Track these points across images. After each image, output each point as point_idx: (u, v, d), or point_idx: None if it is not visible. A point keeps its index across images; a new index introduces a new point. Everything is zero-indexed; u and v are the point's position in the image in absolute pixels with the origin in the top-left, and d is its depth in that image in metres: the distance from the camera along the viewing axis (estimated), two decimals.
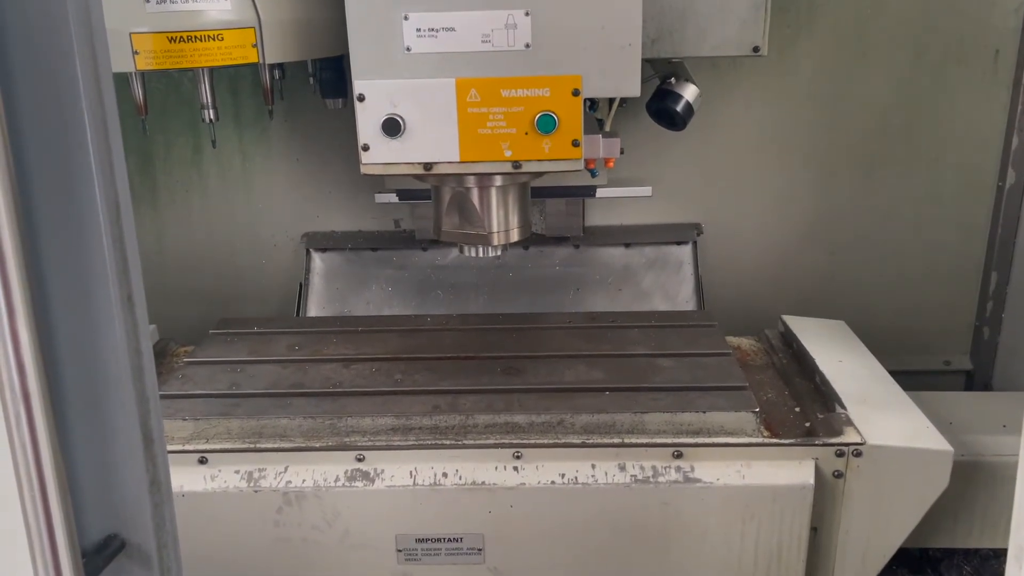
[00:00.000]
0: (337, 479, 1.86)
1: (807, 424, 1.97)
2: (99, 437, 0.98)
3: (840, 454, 1.86)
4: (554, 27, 1.79)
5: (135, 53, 1.84)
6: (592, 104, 2.07)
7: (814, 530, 1.90)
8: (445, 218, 2.09)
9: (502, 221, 2.07)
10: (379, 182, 2.65)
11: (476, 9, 1.78)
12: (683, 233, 2.78)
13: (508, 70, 1.82)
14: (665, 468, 1.86)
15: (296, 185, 2.81)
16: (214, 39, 1.86)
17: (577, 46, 1.80)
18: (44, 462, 0.86)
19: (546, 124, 1.83)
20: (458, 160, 1.87)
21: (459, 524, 1.88)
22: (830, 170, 2.78)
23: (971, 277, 2.86)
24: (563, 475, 1.86)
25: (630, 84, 1.84)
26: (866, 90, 2.69)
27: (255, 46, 1.90)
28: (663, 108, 2.22)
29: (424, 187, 2.31)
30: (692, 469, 1.86)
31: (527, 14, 1.78)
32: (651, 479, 1.85)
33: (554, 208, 2.74)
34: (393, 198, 2.67)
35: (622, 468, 1.86)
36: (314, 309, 2.74)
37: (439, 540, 1.89)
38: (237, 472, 1.87)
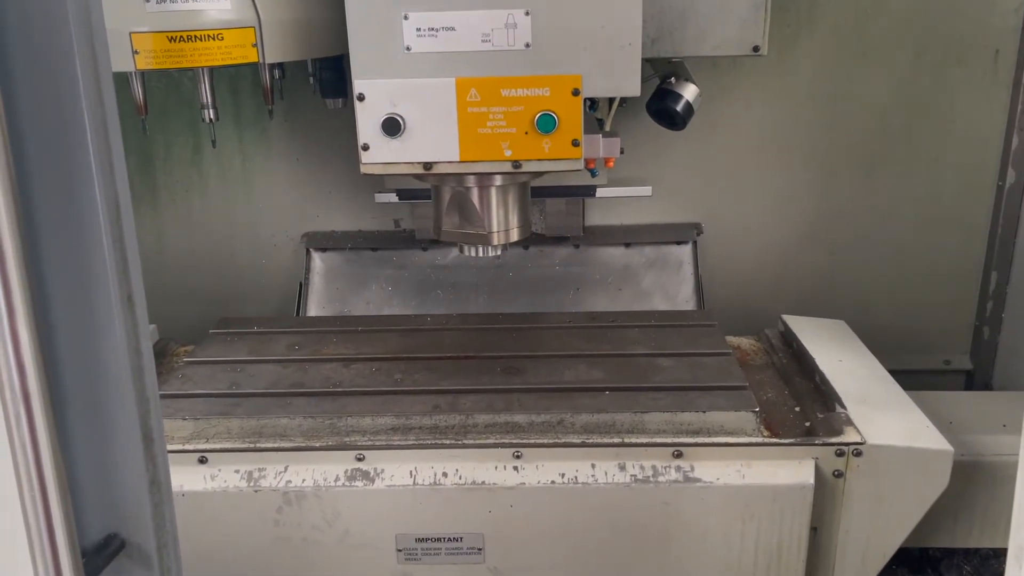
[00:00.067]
0: (337, 479, 1.86)
1: (807, 424, 1.97)
2: (99, 437, 0.98)
3: (840, 454, 1.86)
4: (554, 27, 1.79)
5: (135, 53, 1.84)
6: (592, 104, 2.07)
7: (814, 530, 1.90)
8: (445, 218, 2.09)
9: (502, 221, 2.07)
10: (379, 182, 2.65)
11: (476, 9, 1.78)
12: (683, 233, 2.78)
13: (508, 70, 1.82)
14: (665, 468, 1.86)
15: (296, 185, 2.81)
16: (214, 39, 1.86)
17: (577, 46, 1.80)
18: (44, 462, 0.86)
19: (546, 124, 1.83)
20: (458, 160, 1.87)
21: (459, 524, 1.88)
22: (830, 170, 2.78)
23: (971, 277, 2.86)
24: (563, 475, 1.86)
25: (630, 84, 1.84)
26: (866, 90, 2.69)
27: (255, 46, 1.90)
28: (663, 108, 2.22)
29: (424, 187, 2.31)
30: (692, 469, 1.86)
31: (527, 14, 1.78)
32: (651, 479, 1.85)
33: (554, 208, 2.74)
34: (393, 198, 2.67)
35: (622, 468, 1.86)
36: (314, 309, 2.74)
37: (439, 540, 1.89)
38: (237, 472, 1.87)
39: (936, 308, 2.89)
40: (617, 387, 2.03)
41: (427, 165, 1.88)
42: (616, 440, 1.88)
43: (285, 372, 2.16)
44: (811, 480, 1.84)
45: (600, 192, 2.67)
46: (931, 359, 2.93)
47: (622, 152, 1.99)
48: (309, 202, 2.83)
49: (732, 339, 2.42)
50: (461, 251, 2.15)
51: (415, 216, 2.76)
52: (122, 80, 1.89)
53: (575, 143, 1.86)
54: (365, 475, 1.87)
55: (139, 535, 1.01)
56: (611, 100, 2.07)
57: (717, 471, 1.85)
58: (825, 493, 1.88)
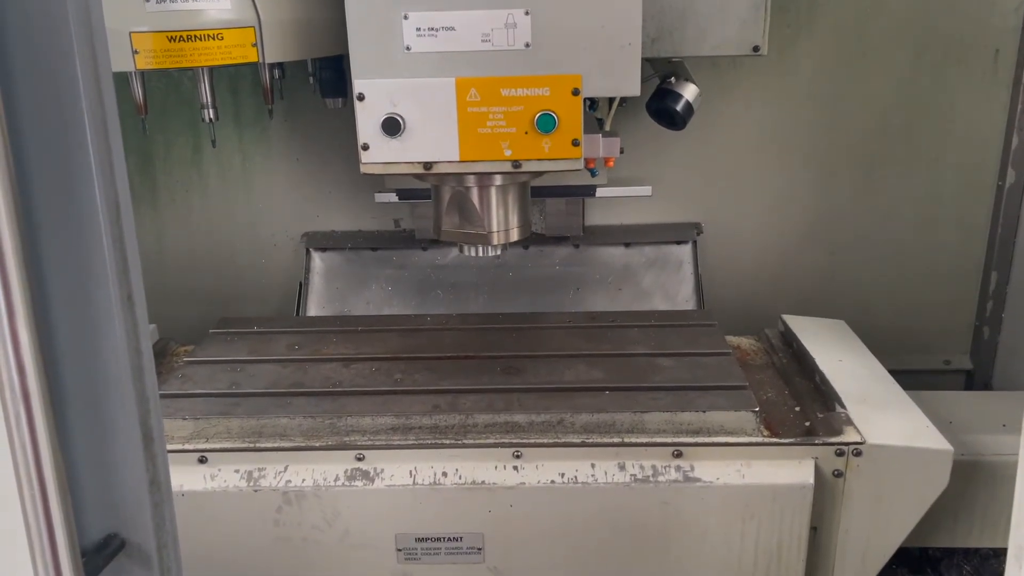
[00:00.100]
0: (337, 478, 1.86)
1: (807, 423, 1.97)
2: (99, 436, 0.98)
3: (840, 453, 1.86)
4: (554, 26, 1.79)
5: (135, 52, 1.84)
6: (592, 103, 2.07)
7: (814, 529, 1.90)
8: (445, 217, 2.09)
9: (502, 220, 2.07)
10: (379, 182, 2.65)
11: (476, 8, 1.78)
12: (683, 233, 2.78)
13: (508, 69, 1.82)
14: (665, 467, 1.86)
15: (296, 185, 2.81)
16: (214, 38, 1.86)
17: (577, 45, 1.80)
18: (44, 462, 0.86)
19: (546, 123, 1.83)
20: (458, 159, 1.87)
21: (459, 523, 1.88)
22: (830, 170, 2.78)
23: (971, 277, 2.86)
24: (563, 474, 1.86)
25: (630, 83, 1.84)
26: (866, 90, 2.69)
27: (255, 45, 1.90)
28: (663, 107, 2.22)
29: (424, 186, 2.31)
30: (692, 468, 1.86)
31: (527, 13, 1.78)
32: (651, 478, 1.85)
33: (554, 208, 2.74)
34: (393, 198, 2.67)
35: (622, 467, 1.86)
36: (314, 309, 2.74)
37: (439, 539, 1.89)
38: (237, 471, 1.87)
39: (936, 308, 2.89)
40: (617, 387, 2.03)
41: (427, 165, 1.88)
42: (616, 440, 1.88)
43: (285, 372, 2.16)
44: (811, 480, 1.84)
45: (600, 192, 2.67)
46: (931, 359, 2.93)
47: (622, 152, 1.99)
48: (309, 202, 2.83)
49: (732, 339, 2.42)
50: (461, 251, 2.15)
51: (415, 216, 2.76)
52: (122, 80, 1.89)
53: (575, 143, 1.86)
54: (365, 475, 1.87)
55: (139, 535, 1.01)
56: (611, 100, 2.07)
57: (717, 471, 1.85)
58: (825, 493, 1.88)
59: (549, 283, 2.76)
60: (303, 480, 1.86)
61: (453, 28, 1.79)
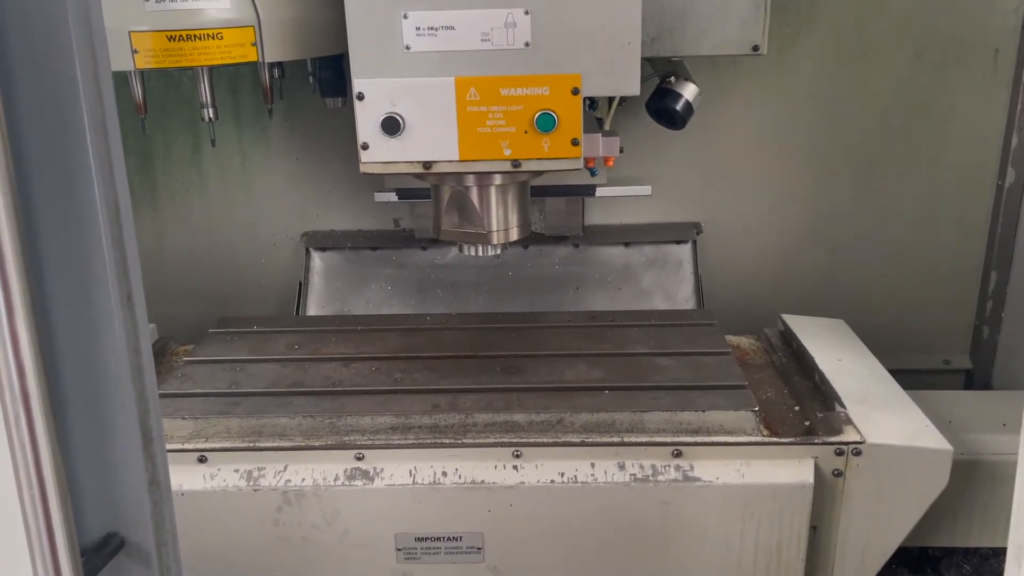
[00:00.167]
0: (336, 478, 1.86)
1: (807, 423, 1.97)
2: (98, 436, 0.98)
3: (840, 453, 1.86)
4: (553, 26, 1.79)
5: (134, 52, 1.84)
6: (592, 103, 2.07)
7: (813, 529, 1.91)
8: (445, 217, 2.09)
9: (501, 220, 2.07)
10: (379, 181, 2.65)
11: (476, 8, 1.78)
12: (683, 232, 2.78)
13: (508, 69, 1.82)
14: (664, 467, 1.86)
15: (296, 184, 2.81)
16: (213, 38, 1.86)
17: (577, 45, 1.80)
18: (43, 461, 0.86)
19: (545, 123, 1.83)
20: (457, 159, 1.87)
21: (458, 523, 1.88)
22: (830, 170, 2.78)
23: (971, 276, 2.86)
24: (562, 474, 1.86)
25: (630, 83, 1.84)
26: (866, 90, 2.69)
27: (254, 45, 1.90)
28: (663, 107, 2.22)
29: (424, 186, 2.31)
30: (692, 468, 1.86)
31: (526, 13, 1.78)
32: (650, 478, 1.85)
33: (554, 207, 2.74)
34: (393, 197, 2.67)
35: (621, 467, 1.86)
36: (314, 308, 2.74)
37: (438, 539, 1.89)
38: (236, 471, 1.87)
39: (936, 308, 2.89)
40: (617, 386, 2.03)
41: (426, 164, 1.88)
42: (616, 439, 1.88)
43: (285, 371, 2.16)
44: (811, 479, 1.84)
45: (600, 191, 2.67)
46: (931, 358, 2.93)
47: (621, 151, 1.99)
48: (309, 202, 2.83)
49: (732, 338, 2.43)
50: (461, 250, 2.15)
51: (415, 215, 2.76)
52: (121, 79, 1.89)
53: (574, 142, 1.86)
54: (364, 474, 1.87)
55: (138, 534, 1.01)
56: (611, 99, 2.07)
57: (717, 470, 1.85)
58: (824, 492, 1.88)
59: (549, 283, 2.76)
60: (303, 480, 1.86)
61: (453, 27, 1.79)
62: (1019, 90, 2.66)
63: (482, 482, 1.85)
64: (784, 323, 2.45)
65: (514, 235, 2.11)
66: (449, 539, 1.89)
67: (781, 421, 1.99)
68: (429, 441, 1.89)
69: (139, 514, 1.01)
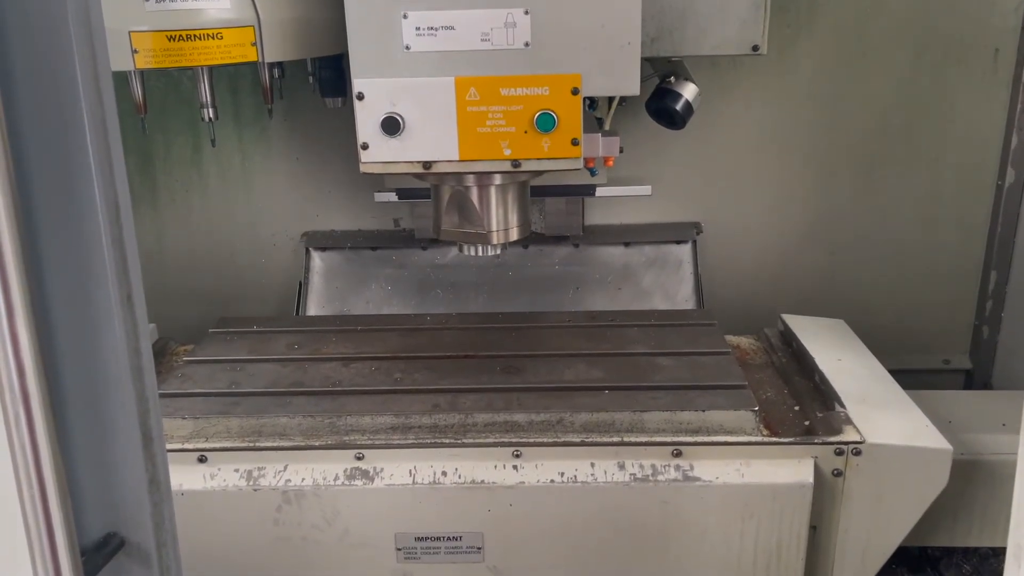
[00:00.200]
0: (336, 478, 1.86)
1: (806, 423, 1.97)
2: (98, 436, 0.98)
3: (839, 453, 1.86)
4: (553, 26, 1.79)
5: (134, 52, 1.84)
6: (591, 103, 2.07)
7: (813, 528, 1.91)
8: (445, 217, 2.09)
9: (501, 220, 2.07)
10: (379, 181, 2.65)
11: (475, 8, 1.78)
12: (683, 232, 2.78)
13: (507, 69, 1.82)
14: (664, 467, 1.86)
15: (296, 184, 2.81)
16: (213, 38, 1.86)
17: (576, 45, 1.80)
18: (43, 461, 0.86)
19: (545, 123, 1.83)
20: (457, 159, 1.87)
21: (458, 523, 1.88)
22: (830, 170, 2.78)
23: (971, 276, 2.87)
24: (562, 474, 1.86)
25: (629, 83, 1.84)
26: (866, 90, 2.69)
27: (254, 45, 1.90)
28: (663, 107, 2.22)
29: (424, 186, 2.31)
30: (691, 468, 1.86)
31: (526, 13, 1.78)
32: (650, 478, 1.85)
33: (554, 207, 2.74)
34: (393, 197, 2.67)
35: (621, 467, 1.86)
36: (314, 308, 2.74)
37: (438, 539, 1.89)
38: (236, 471, 1.88)
39: (936, 308, 2.89)
40: (616, 386, 2.03)
41: (426, 164, 1.88)
42: (615, 439, 1.88)
43: (284, 371, 2.16)
44: (810, 479, 1.84)
45: (600, 191, 2.67)
46: (931, 358, 2.93)
47: (621, 151, 1.99)
48: (309, 201, 2.83)
49: (731, 338, 2.43)
50: (461, 250, 2.15)
51: (415, 215, 2.76)
52: (121, 79, 1.89)
53: (574, 142, 1.86)
54: (364, 474, 1.87)
55: (138, 534, 1.01)
56: (610, 99, 2.07)
57: (716, 470, 1.85)
58: (824, 492, 1.88)
59: (549, 283, 2.76)
60: (303, 479, 1.86)
61: (452, 27, 1.79)
62: (1019, 90, 2.66)
63: (482, 482, 1.85)
64: (784, 323, 2.46)
65: (514, 235, 2.11)
66: (449, 539, 1.89)
67: (781, 421, 1.99)
68: (429, 441, 1.89)
69: (139, 514, 1.01)
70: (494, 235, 2.07)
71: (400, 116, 1.83)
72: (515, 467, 1.87)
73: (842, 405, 1.98)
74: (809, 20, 2.63)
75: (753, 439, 1.88)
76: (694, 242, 2.76)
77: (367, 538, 1.90)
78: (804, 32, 2.64)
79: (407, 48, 1.80)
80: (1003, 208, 2.76)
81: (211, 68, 1.99)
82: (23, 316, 0.83)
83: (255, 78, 2.12)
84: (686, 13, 2.02)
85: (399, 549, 1.90)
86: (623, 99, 2.11)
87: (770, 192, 2.80)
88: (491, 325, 2.43)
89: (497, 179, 2.01)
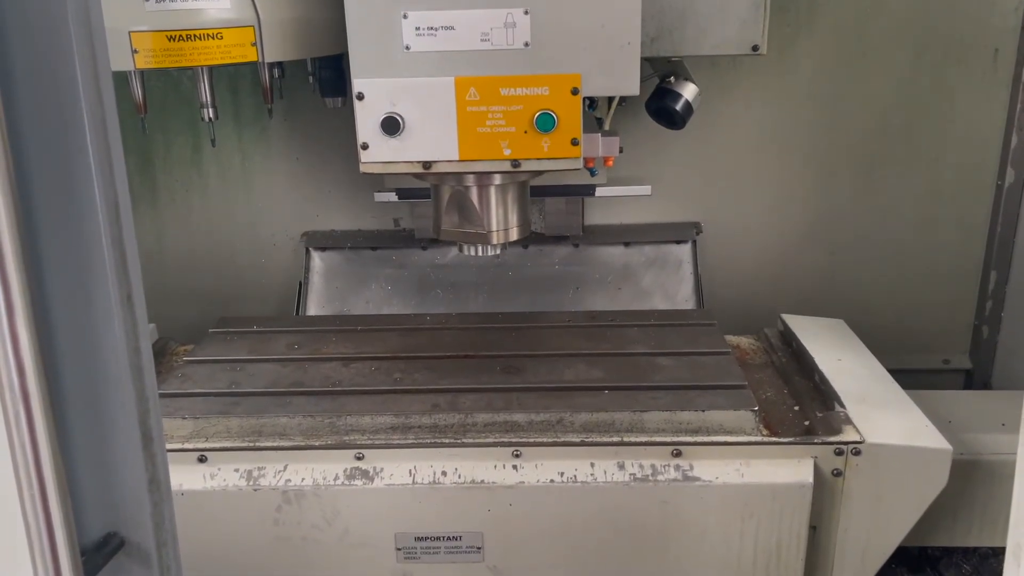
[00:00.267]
0: (336, 478, 1.87)
1: (806, 423, 1.97)
2: (98, 436, 0.98)
3: (839, 452, 1.86)
4: (553, 26, 1.79)
5: (134, 52, 1.84)
6: (591, 103, 2.07)
7: (813, 528, 1.91)
8: (444, 217, 2.09)
9: (501, 220, 2.07)
10: (378, 181, 2.65)
11: (475, 8, 1.78)
12: (682, 232, 2.78)
13: (507, 69, 1.82)
14: (664, 467, 1.86)
15: (296, 184, 2.81)
16: (213, 38, 1.86)
17: (576, 45, 1.80)
18: (44, 461, 0.86)
19: (545, 123, 1.83)
20: (457, 159, 1.87)
21: (458, 523, 1.88)
22: (830, 170, 2.78)
23: (970, 276, 2.87)
24: (562, 473, 1.86)
25: (629, 83, 1.84)
26: (866, 90, 2.69)
27: (254, 45, 1.90)
28: (662, 107, 2.22)
29: (424, 186, 2.31)
30: (691, 467, 1.86)
31: (526, 13, 1.79)
32: (650, 477, 1.85)
33: (553, 207, 2.74)
34: (393, 197, 2.68)
35: (621, 467, 1.87)
36: (314, 308, 2.74)
37: (438, 539, 1.89)
38: (236, 471, 1.88)
39: (936, 308, 2.89)
40: (616, 386, 2.03)
41: (426, 164, 1.88)
42: (615, 439, 1.88)
43: (284, 371, 2.16)
44: (810, 479, 1.84)
45: (599, 191, 2.67)
46: (930, 358, 2.93)
47: (621, 151, 1.99)
48: (309, 201, 2.83)
49: (731, 338, 2.43)
50: (460, 250, 2.15)
51: (415, 215, 2.76)
52: (121, 79, 1.89)
53: (574, 142, 1.86)
54: (364, 474, 1.87)
55: (138, 534, 1.01)
56: (610, 99, 2.07)
57: (716, 470, 1.85)
58: (824, 492, 1.88)
59: (549, 282, 2.76)
60: (303, 479, 1.86)
61: (452, 27, 1.79)
62: (1019, 90, 2.66)
63: (482, 482, 1.86)
64: (784, 323, 2.46)
65: (514, 235, 2.11)
66: (449, 539, 1.89)
67: (781, 421, 1.99)
68: (429, 441, 1.89)
69: (139, 514, 1.01)
70: (494, 235, 2.07)
71: (400, 116, 1.83)
72: (515, 467, 1.87)
73: (842, 405, 1.98)
74: (809, 20, 2.64)
75: (753, 439, 1.88)
76: (694, 242, 2.76)
77: (367, 538, 1.90)
78: (804, 32, 2.64)
79: (407, 48, 1.80)
80: (1003, 208, 2.76)
81: (211, 68, 1.99)
82: (23, 316, 0.83)
83: (255, 78, 2.12)
84: (686, 13, 2.02)
85: (399, 549, 1.90)
86: (623, 99, 2.11)
87: (770, 192, 2.80)
88: (491, 325, 2.43)
89: (497, 179, 2.01)
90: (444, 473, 1.86)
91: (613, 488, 1.85)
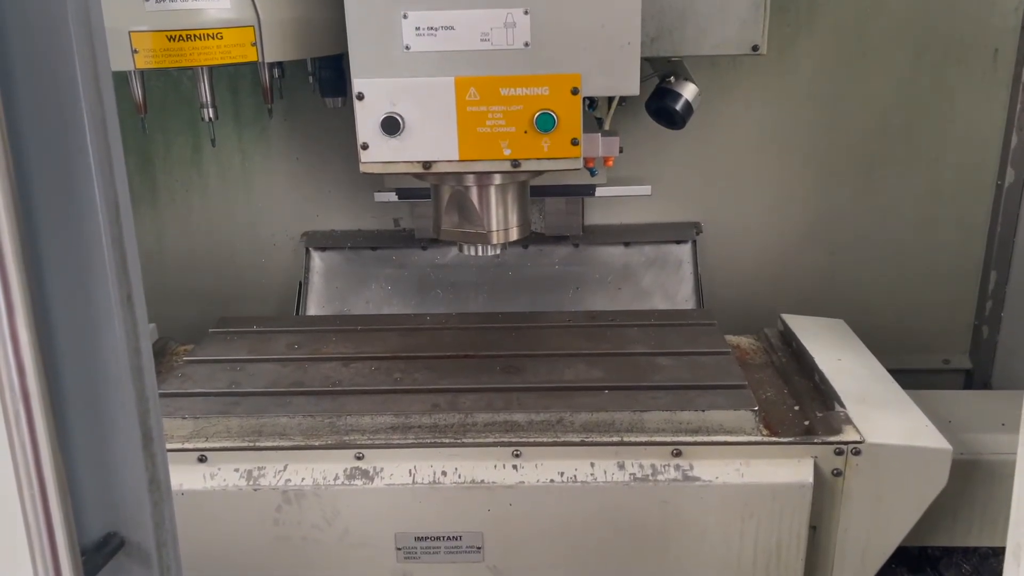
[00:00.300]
0: (336, 477, 1.87)
1: (806, 423, 1.97)
2: (99, 436, 0.98)
3: (839, 452, 1.86)
4: (553, 26, 1.79)
5: (134, 52, 1.84)
6: (591, 103, 2.07)
7: (813, 528, 1.91)
8: (444, 217, 2.09)
9: (501, 220, 2.07)
10: (378, 181, 2.65)
11: (475, 8, 1.78)
12: (682, 232, 2.78)
13: (507, 69, 1.82)
14: (664, 466, 1.86)
15: (296, 184, 2.82)
16: (213, 38, 1.86)
17: (576, 45, 1.80)
18: (44, 461, 0.86)
19: (545, 123, 1.83)
20: (457, 159, 1.87)
21: (458, 522, 1.88)
22: (830, 170, 2.78)
23: (970, 276, 2.87)
24: (562, 473, 1.86)
25: (629, 83, 1.84)
26: (866, 90, 2.69)
27: (254, 45, 1.91)
28: (662, 107, 2.22)
29: (424, 186, 2.31)
30: (691, 467, 1.86)
31: (526, 13, 1.79)
32: (650, 477, 1.85)
33: (553, 207, 2.74)
34: (393, 197, 2.68)
35: (621, 466, 1.87)
36: (314, 308, 2.74)
37: (438, 538, 1.89)
38: (236, 470, 1.88)
39: (936, 308, 2.89)
40: (616, 386, 2.03)
41: (426, 164, 1.88)
42: (615, 439, 1.88)
43: (284, 371, 2.16)
44: (810, 479, 1.84)
45: (599, 191, 2.67)
46: (930, 358, 2.93)
47: (621, 151, 1.99)
48: (309, 201, 2.83)
49: (731, 338, 2.43)
50: (460, 250, 2.16)
51: (415, 215, 2.76)
52: (121, 79, 1.89)
53: (574, 142, 1.86)
54: (364, 474, 1.87)
55: (138, 533, 1.01)
56: (610, 99, 2.07)
57: (716, 470, 1.85)
58: (824, 492, 1.88)
59: (549, 282, 2.76)
60: (303, 479, 1.86)
61: (452, 27, 1.79)
62: (1019, 90, 2.66)
63: (482, 482, 1.86)
64: (784, 323, 2.46)
65: (514, 235, 2.11)
66: (449, 539, 1.89)
67: (781, 421, 1.99)
68: (429, 441, 1.89)
69: (139, 514, 1.01)
70: (494, 235, 2.08)
71: (400, 116, 1.83)
72: (515, 467, 1.87)
73: (842, 405, 1.98)
74: (809, 20, 2.64)
75: (753, 439, 1.88)
76: (694, 242, 2.76)
77: (367, 538, 1.90)
78: (804, 32, 2.64)
79: (407, 48, 1.80)
80: (1003, 208, 2.76)
81: (211, 68, 1.99)
82: (23, 315, 0.83)
83: (255, 78, 2.12)
84: (686, 13, 2.02)
85: (399, 549, 1.90)
86: (623, 99, 2.11)
87: (770, 192, 2.80)
88: (491, 325, 2.43)
89: (497, 179, 2.01)
90: (444, 473, 1.86)
91: (613, 488, 1.85)
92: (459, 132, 1.85)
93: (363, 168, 1.89)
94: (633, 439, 1.88)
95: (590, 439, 1.88)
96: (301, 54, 2.03)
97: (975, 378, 2.93)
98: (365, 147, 1.86)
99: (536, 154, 1.87)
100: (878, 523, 1.91)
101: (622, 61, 1.82)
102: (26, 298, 0.83)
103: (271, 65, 2.02)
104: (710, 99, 2.56)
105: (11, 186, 0.81)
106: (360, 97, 1.83)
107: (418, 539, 1.89)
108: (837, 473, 1.87)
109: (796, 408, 2.05)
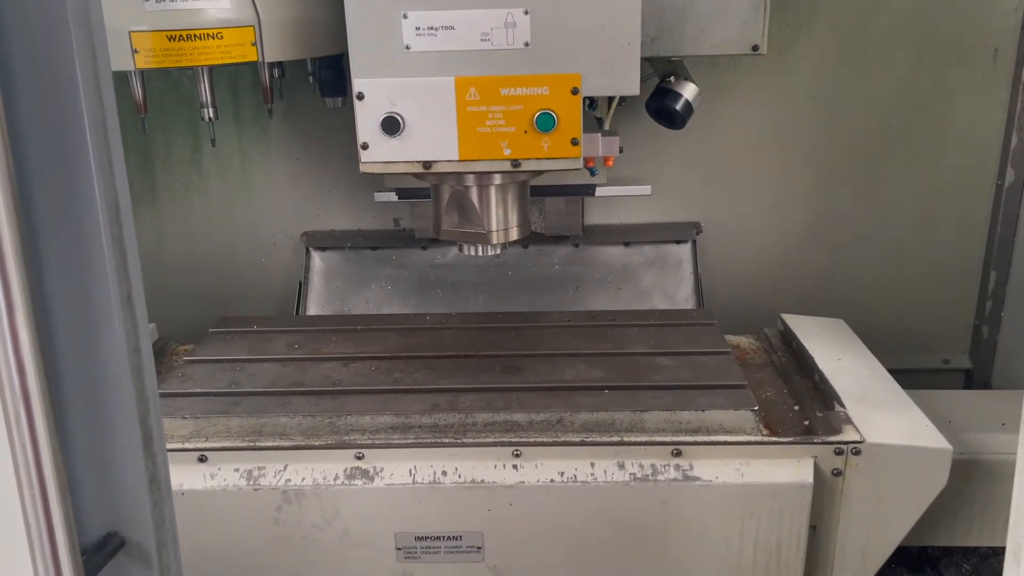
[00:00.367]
0: (336, 477, 1.87)
1: (806, 422, 1.97)
2: (99, 436, 0.98)
3: (839, 452, 1.86)
4: (553, 26, 1.79)
5: (134, 51, 1.84)
6: (591, 103, 2.07)
7: (813, 528, 1.91)
8: (444, 217, 2.09)
9: (501, 220, 2.07)
10: (378, 181, 2.65)
11: (475, 8, 1.78)
12: (682, 232, 2.78)
13: (507, 69, 1.82)
14: (664, 466, 1.86)
15: (296, 184, 2.82)
16: (213, 37, 1.87)
17: (576, 45, 1.81)
18: (44, 461, 0.86)
19: (545, 123, 1.83)
20: (457, 159, 1.87)
21: (458, 522, 1.88)
22: (830, 170, 2.78)
23: (970, 276, 2.87)
24: (562, 473, 1.86)
25: (629, 83, 1.84)
26: (866, 90, 2.69)
27: (254, 45, 1.91)
28: (662, 107, 2.22)
29: (424, 186, 2.31)
30: (691, 467, 1.86)
31: (526, 13, 1.79)
32: (650, 477, 1.85)
33: (553, 207, 2.74)
34: (393, 197, 2.68)
35: (621, 466, 1.87)
36: (314, 308, 2.75)
37: (438, 538, 1.89)
38: (237, 470, 1.88)
39: (936, 307, 2.89)
40: (616, 386, 2.03)
41: (426, 164, 1.88)
42: (615, 439, 1.88)
43: (285, 371, 2.16)
44: (810, 479, 1.84)
45: (599, 191, 2.67)
46: (930, 358, 2.93)
47: (621, 151, 1.99)
48: (309, 201, 2.83)
49: (731, 338, 2.43)
50: (460, 250, 2.16)
51: (415, 215, 2.76)
52: (121, 79, 1.89)
53: (574, 142, 1.86)
54: (364, 474, 1.87)
55: (139, 533, 1.01)
56: (610, 99, 2.07)
57: (716, 470, 1.85)
58: (824, 492, 1.88)
59: (549, 282, 2.76)
60: (303, 479, 1.86)
61: (452, 27, 1.79)
62: (1019, 90, 2.66)
63: (482, 481, 1.86)
64: (784, 323, 2.46)
65: (514, 235, 2.11)
66: (449, 538, 1.89)
67: (781, 421, 1.99)
68: (429, 441, 1.89)
69: (139, 513, 1.01)
70: (494, 235, 2.08)
71: (400, 116, 1.83)
72: (515, 467, 1.87)
73: (842, 405, 1.98)
74: (809, 20, 2.64)
75: (753, 439, 1.88)
76: (694, 242, 2.76)
77: (367, 538, 1.90)
78: (804, 32, 2.64)
79: (407, 48, 1.81)
80: (1003, 208, 2.76)
81: (211, 68, 1.99)
82: (23, 315, 0.83)
83: (255, 78, 2.12)
84: (686, 13, 2.02)
85: (399, 549, 1.90)
86: (623, 99, 2.11)
87: (770, 192, 2.80)
88: (491, 325, 2.43)
89: (497, 179, 2.01)
90: (444, 473, 1.86)
91: (613, 488, 1.85)
92: (459, 132, 1.85)
93: (363, 168, 1.89)
94: (633, 439, 1.88)
95: (590, 439, 1.88)
96: (301, 54, 2.03)
97: (975, 378, 2.93)
98: (365, 147, 1.86)
99: (536, 154, 1.87)
100: (878, 523, 1.91)
101: (622, 61, 1.82)
102: (26, 298, 0.83)
103: (271, 65, 2.02)
104: (710, 99, 2.56)
105: (11, 186, 0.81)
106: (360, 97, 1.83)
107: (418, 539, 1.89)
108: (837, 473, 1.87)
109: (796, 408, 2.05)
